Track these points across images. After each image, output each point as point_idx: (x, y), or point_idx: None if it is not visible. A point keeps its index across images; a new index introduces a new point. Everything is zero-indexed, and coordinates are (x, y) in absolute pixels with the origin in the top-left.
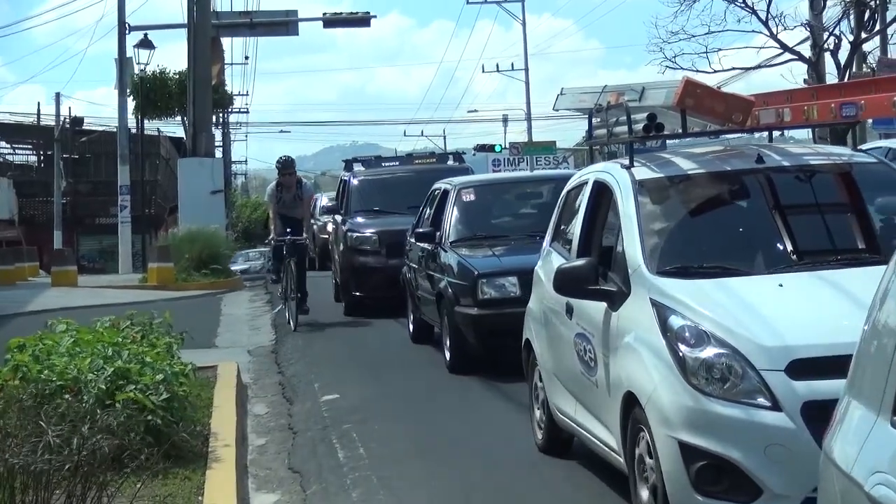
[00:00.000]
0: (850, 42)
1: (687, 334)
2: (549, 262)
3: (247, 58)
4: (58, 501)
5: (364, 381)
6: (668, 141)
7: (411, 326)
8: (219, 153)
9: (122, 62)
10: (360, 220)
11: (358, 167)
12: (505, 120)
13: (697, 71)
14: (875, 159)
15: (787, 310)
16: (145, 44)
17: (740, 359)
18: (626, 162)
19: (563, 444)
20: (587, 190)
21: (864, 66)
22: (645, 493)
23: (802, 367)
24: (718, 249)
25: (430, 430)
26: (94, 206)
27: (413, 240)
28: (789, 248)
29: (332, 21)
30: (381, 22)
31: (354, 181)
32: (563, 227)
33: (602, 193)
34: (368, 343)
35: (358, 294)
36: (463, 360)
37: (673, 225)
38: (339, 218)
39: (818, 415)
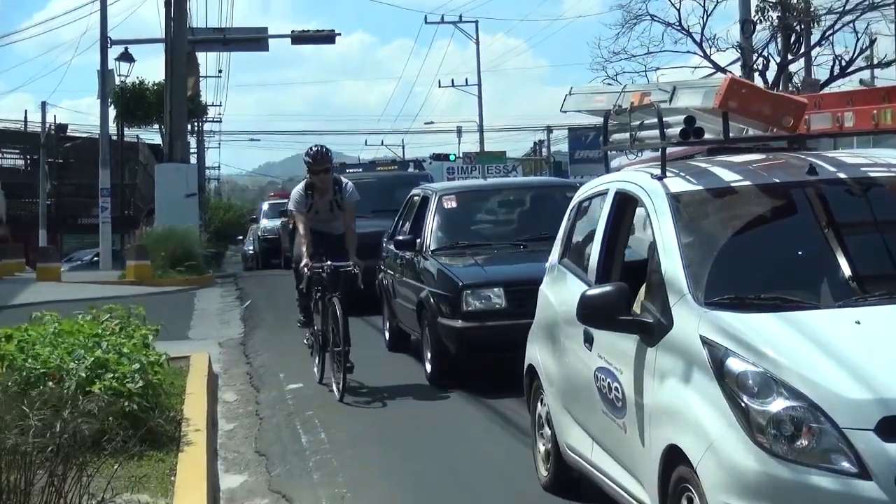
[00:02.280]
0: (777, 63)
1: (750, 382)
2: (560, 281)
3: (220, 71)
4: (40, 481)
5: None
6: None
7: (387, 334)
8: (193, 159)
9: (104, 74)
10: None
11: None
12: (459, 131)
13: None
14: None
15: (874, 353)
16: (126, 57)
17: (819, 413)
18: (657, 171)
19: (571, 483)
20: (607, 201)
21: (789, 85)
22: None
23: None
24: (775, 277)
25: (393, 423)
26: (76, 207)
27: (392, 247)
28: (857, 275)
29: (299, 38)
30: (346, 39)
31: None
32: (575, 241)
33: (625, 206)
34: None
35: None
36: (444, 373)
37: (719, 247)
38: None
39: None
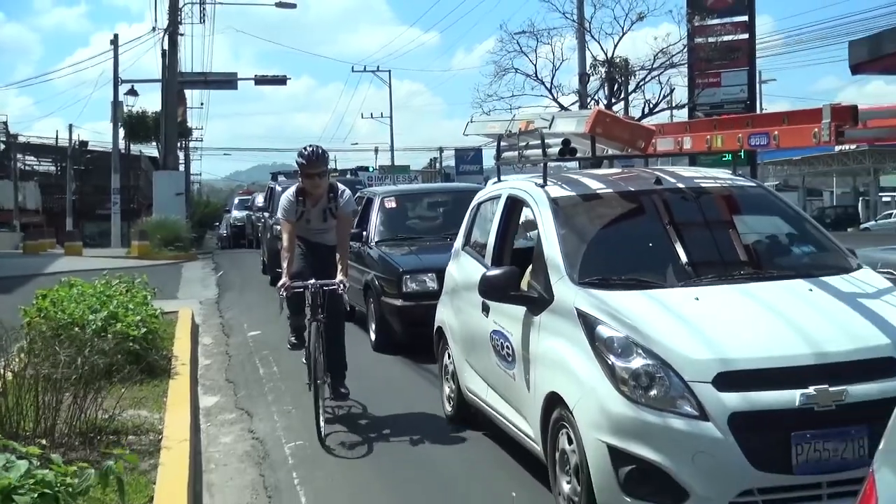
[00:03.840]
0: (604, 105)
1: (615, 345)
2: (462, 263)
3: (202, 104)
4: (67, 400)
5: (281, 324)
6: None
7: None
8: (182, 168)
9: (116, 104)
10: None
11: (281, 178)
12: (376, 150)
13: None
14: (754, 183)
15: (710, 322)
16: (132, 92)
17: (668, 369)
18: (540, 181)
19: (468, 416)
20: (500, 203)
21: None
22: (565, 484)
23: (730, 380)
24: (631, 263)
25: None
26: (94, 201)
27: None
28: (693, 262)
29: (260, 80)
30: (295, 81)
31: (279, 188)
32: (474, 233)
33: (515, 208)
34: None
35: (280, 270)
36: (386, 342)
37: (588, 239)
38: (266, 214)
39: (745, 425)
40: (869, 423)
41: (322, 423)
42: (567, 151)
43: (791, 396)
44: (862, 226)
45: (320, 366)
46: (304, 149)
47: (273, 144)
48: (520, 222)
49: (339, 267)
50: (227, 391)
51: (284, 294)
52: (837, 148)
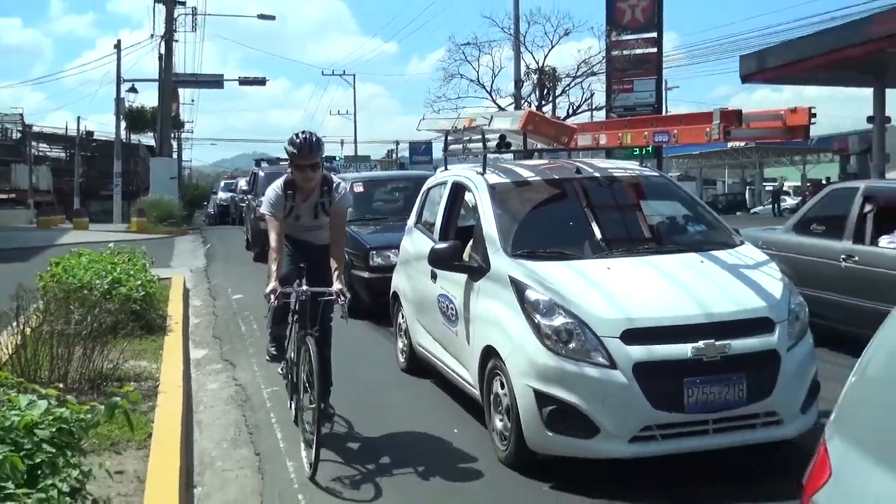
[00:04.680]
0: (536, 106)
1: (541, 306)
2: (414, 238)
3: (192, 100)
4: (77, 352)
5: (259, 288)
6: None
7: None
8: (175, 156)
9: (118, 100)
10: (264, 198)
11: (264, 164)
12: (341, 143)
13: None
14: (657, 173)
15: (619, 288)
16: (132, 90)
17: (585, 327)
18: (480, 169)
19: (419, 368)
20: (447, 188)
21: None
22: (498, 421)
23: (634, 335)
24: (555, 238)
25: None
26: (99, 183)
27: None
28: (605, 238)
29: (244, 81)
30: (273, 83)
31: (261, 173)
32: (424, 213)
33: (459, 192)
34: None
35: (263, 248)
36: (354, 309)
37: (519, 219)
38: (250, 196)
39: (646, 373)
40: (747, 371)
41: (310, 455)
42: (503, 145)
43: (684, 349)
44: (752, 210)
45: (314, 390)
46: (296, 136)
47: (254, 136)
48: (464, 204)
49: (336, 272)
50: (213, 345)
51: (275, 302)
52: (729, 144)
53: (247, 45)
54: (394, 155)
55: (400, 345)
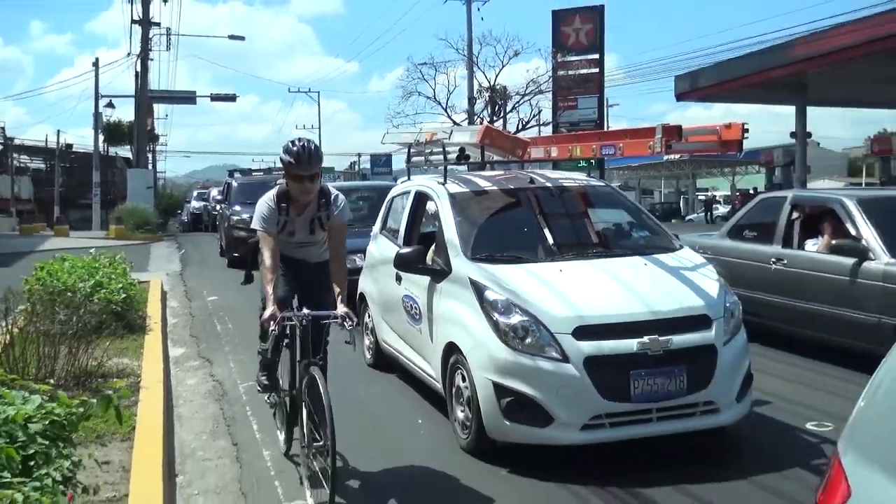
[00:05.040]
0: (488, 121)
1: (500, 305)
2: (379, 244)
3: (166, 115)
4: (63, 351)
5: (233, 291)
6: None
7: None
8: (150, 167)
9: (97, 115)
10: (237, 207)
11: (237, 175)
12: None
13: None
14: (603, 183)
15: (571, 288)
16: (110, 105)
17: (539, 324)
18: (441, 180)
19: (385, 364)
20: (410, 197)
21: None
22: (460, 412)
23: (585, 332)
24: (511, 243)
25: None
26: (78, 193)
27: None
28: (557, 243)
29: (215, 97)
30: (243, 99)
31: (234, 183)
32: (388, 221)
33: (421, 200)
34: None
35: (235, 254)
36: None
37: (478, 225)
38: (223, 205)
39: (596, 366)
40: (687, 364)
41: (320, 496)
42: (462, 157)
43: (630, 344)
44: (686, 218)
45: (326, 426)
46: (292, 144)
47: (224, 149)
48: (426, 212)
49: (339, 294)
50: (191, 344)
51: (275, 329)
52: (665, 157)
53: (218, 64)
54: (356, 166)
55: (366, 342)
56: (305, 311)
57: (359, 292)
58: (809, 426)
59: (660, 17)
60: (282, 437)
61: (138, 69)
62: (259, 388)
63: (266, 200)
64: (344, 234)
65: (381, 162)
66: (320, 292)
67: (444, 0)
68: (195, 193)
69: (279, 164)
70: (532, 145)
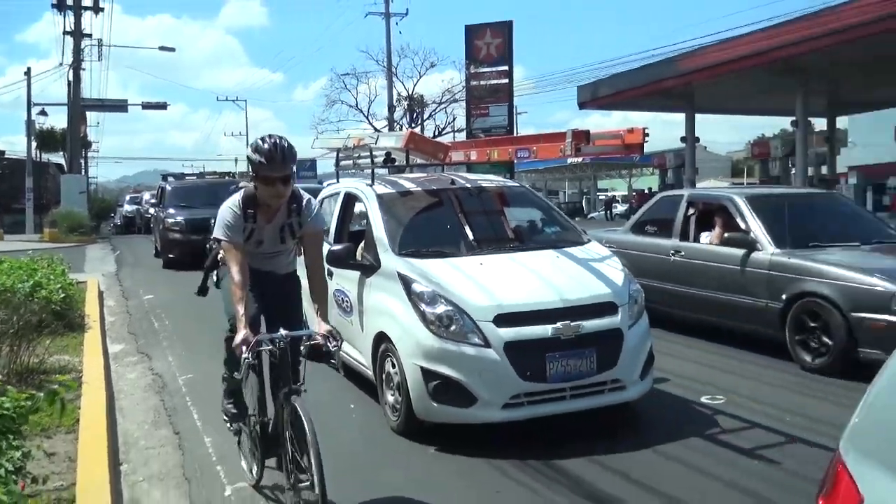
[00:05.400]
0: (407, 128)
1: (426, 297)
2: None
3: (98, 123)
4: (6, 349)
5: (169, 290)
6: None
7: (215, 277)
8: (83, 172)
9: (29, 123)
10: (172, 210)
11: (170, 179)
12: (235, 160)
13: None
14: (518, 184)
15: (491, 279)
16: (42, 113)
17: (463, 313)
18: (369, 182)
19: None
20: (339, 199)
21: None
22: (390, 396)
23: (504, 319)
24: (435, 239)
25: (210, 315)
26: (12, 198)
27: None
28: (477, 239)
29: (146, 106)
30: (173, 107)
31: (169, 187)
32: None
33: (350, 201)
34: (177, 279)
35: (171, 256)
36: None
37: (404, 223)
38: (158, 209)
39: (515, 350)
40: (596, 346)
41: None
42: (389, 160)
43: (545, 329)
44: (588, 216)
45: (312, 468)
46: (262, 141)
47: (154, 155)
48: (354, 212)
49: (317, 310)
50: (129, 340)
51: (249, 356)
52: (569, 160)
53: (149, 73)
54: None
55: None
56: (283, 331)
57: None
58: (704, 399)
59: (563, 33)
60: (247, 466)
61: (70, 78)
62: (226, 418)
63: (230, 206)
64: (321, 242)
65: (307, 167)
66: (290, 308)
67: (364, 15)
68: (128, 197)
69: (210, 169)
70: (453, 149)
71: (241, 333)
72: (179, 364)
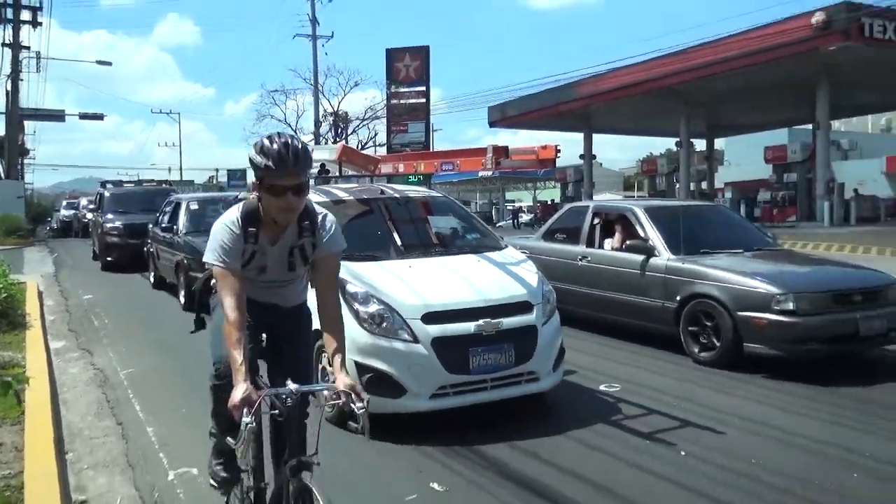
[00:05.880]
0: (333, 142)
1: (359, 296)
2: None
3: (34, 131)
4: None
5: (107, 290)
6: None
7: (152, 278)
8: (21, 179)
9: None
10: (110, 216)
11: (109, 185)
12: (169, 169)
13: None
14: (441, 194)
15: (420, 280)
16: None
17: (394, 312)
18: None
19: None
20: None
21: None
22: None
23: (431, 317)
24: (367, 244)
25: (149, 314)
26: None
27: (157, 230)
28: (406, 244)
29: (83, 116)
30: (109, 118)
31: (107, 194)
32: None
33: None
34: (115, 281)
35: (109, 259)
36: (192, 304)
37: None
38: (97, 214)
39: (441, 345)
40: (514, 341)
41: None
42: (323, 172)
43: (468, 326)
44: (497, 224)
45: None
46: (270, 141)
47: (90, 163)
48: None
49: (337, 356)
50: (70, 337)
51: (251, 420)
52: (481, 173)
53: (85, 86)
54: (214, 179)
55: None
56: (292, 385)
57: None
58: (602, 388)
59: (476, 58)
60: None
61: (9, 88)
62: (214, 483)
63: (225, 224)
64: (338, 269)
65: (238, 176)
66: (298, 352)
67: (293, 36)
68: (65, 202)
69: (147, 177)
70: (382, 162)
71: (240, 389)
72: (120, 359)
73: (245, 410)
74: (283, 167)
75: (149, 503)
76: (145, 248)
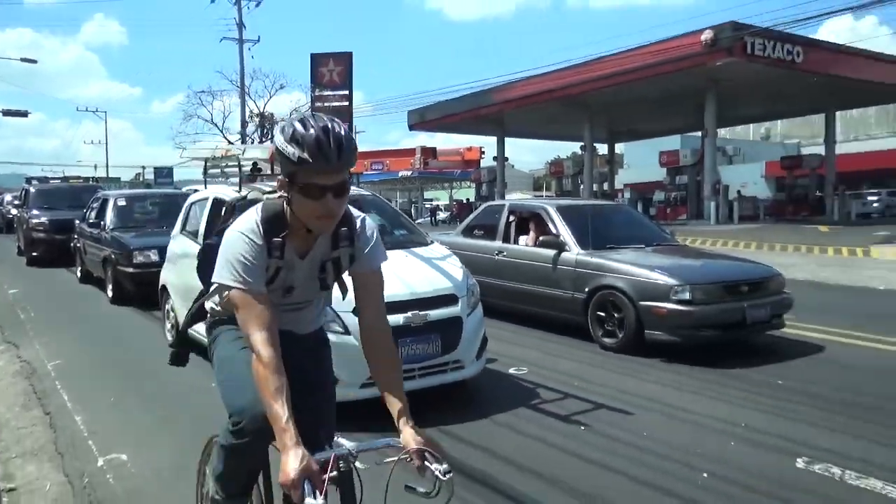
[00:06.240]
0: (259, 141)
1: None
2: (179, 243)
3: None
4: None
5: (34, 285)
6: None
7: (79, 273)
8: None
9: None
10: (36, 211)
11: (34, 182)
12: (95, 167)
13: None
14: (370, 193)
15: None
16: None
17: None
18: (237, 188)
19: (188, 342)
20: (208, 203)
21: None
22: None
23: None
24: None
25: (76, 308)
26: None
27: (84, 226)
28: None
29: (7, 113)
30: (34, 116)
31: (33, 190)
32: (188, 223)
33: (218, 205)
34: (40, 275)
35: (35, 254)
36: (120, 297)
37: None
38: (22, 209)
39: None
40: (441, 332)
41: None
42: (255, 169)
43: (397, 318)
44: (416, 221)
45: None
46: (303, 125)
47: (14, 159)
48: (221, 215)
49: (400, 408)
50: None
51: (317, 498)
52: (400, 174)
53: (11, 83)
54: (141, 177)
55: (168, 325)
56: (346, 443)
57: (161, 284)
58: (511, 371)
59: (398, 64)
60: None
61: None
62: None
63: (243, 232)
64: (382, 288)
65: (164, 174)
66: (325, 391)
67: (219, 39)
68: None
69: (73, 174)
70: None
71: (295, 457)
72: (47, 352)
73: (307, 488)
74: (324, 161)
75: (78, 489)
76: (72, 244)
